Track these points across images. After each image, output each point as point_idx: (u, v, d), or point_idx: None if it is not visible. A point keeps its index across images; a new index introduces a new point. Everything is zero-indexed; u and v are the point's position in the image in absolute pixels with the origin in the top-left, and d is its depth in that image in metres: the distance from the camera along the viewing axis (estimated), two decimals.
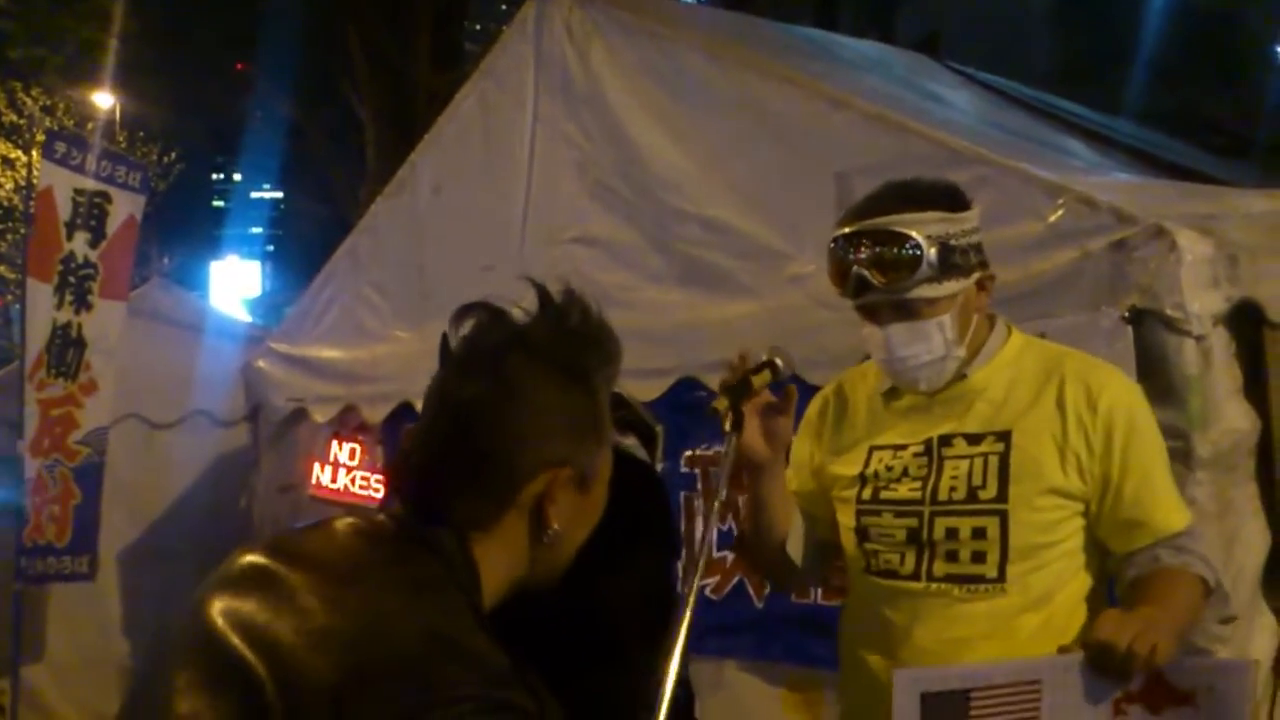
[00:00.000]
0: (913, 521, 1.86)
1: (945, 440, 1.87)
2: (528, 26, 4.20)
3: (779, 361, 1.84)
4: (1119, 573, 1.85)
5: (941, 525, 1.83)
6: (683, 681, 2.57)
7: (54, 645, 5.39)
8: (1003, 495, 1.80)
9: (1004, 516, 1.80)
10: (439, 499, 1.17)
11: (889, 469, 1.90)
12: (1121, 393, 1.85)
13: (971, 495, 1.82)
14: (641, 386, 3.70)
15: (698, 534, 3.52)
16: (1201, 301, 2.60)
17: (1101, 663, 1.58)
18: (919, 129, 3.28)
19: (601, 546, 2.34)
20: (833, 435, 2.03)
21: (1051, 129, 4.85)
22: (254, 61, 18.22)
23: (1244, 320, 2.71)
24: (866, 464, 1.93)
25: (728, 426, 1.81)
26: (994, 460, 1.82)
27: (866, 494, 1.92)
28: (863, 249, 1.81)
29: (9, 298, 19.10)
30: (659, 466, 3.69)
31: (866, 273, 1.81)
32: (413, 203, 4.68)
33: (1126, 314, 2.62)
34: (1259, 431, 2.73)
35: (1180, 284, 2.58)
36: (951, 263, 1.80)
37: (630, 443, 3.78)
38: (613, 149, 3.90)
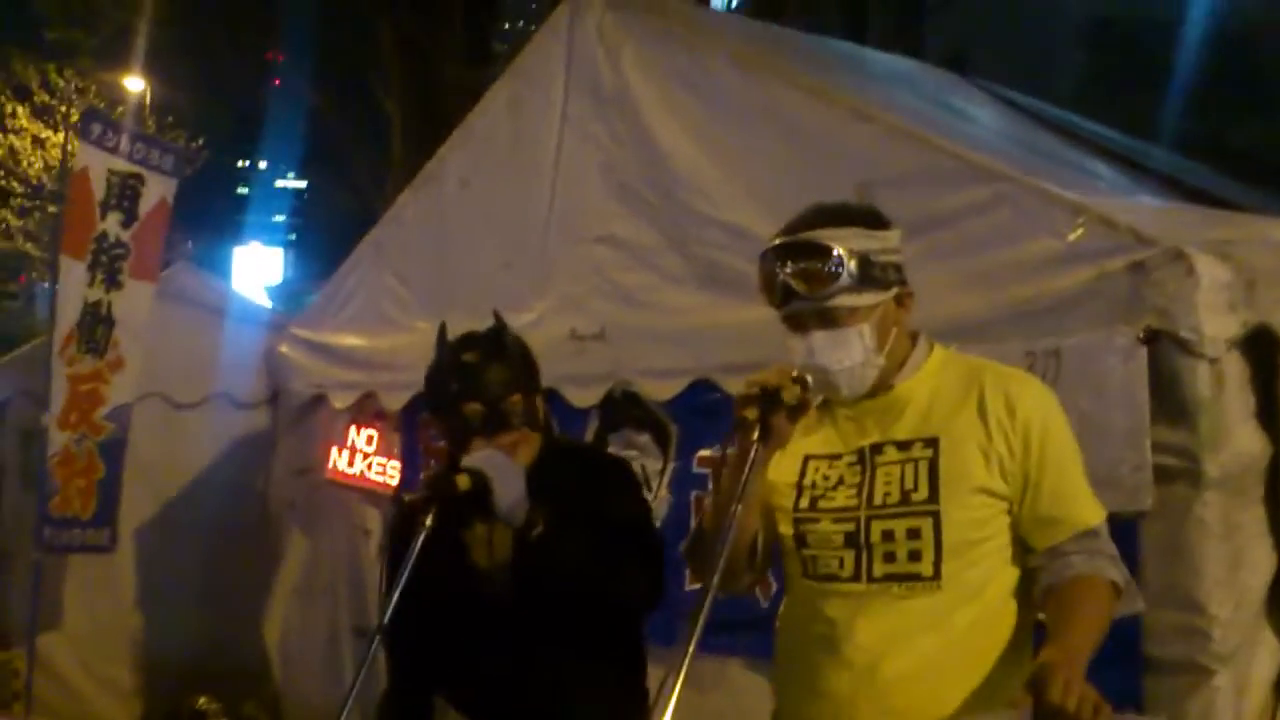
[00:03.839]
0: (850, 526, 1.96)
1: (877, 448, 1.99)
2: (560, 27, 4.24)
3: (809, 379, 1.93)
4: (1036, 573, 1.93)
5: (878, 528, 1.93)
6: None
7: (70, 615, 5.45)
8: (934, 496, 1.91)
9: (936, 516, 1.90)
10: None
11: (825, 478, 2.01)
12: (1037, 400, 1.97)
13: (905, 498, 1.93)
14: (657, 386, 3.75)
15: None
16: (1216, 325, 2.63)
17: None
18: (941, 144, 3.31)
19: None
20: None
21: (1077, 150, 4.86)
22: (282, 50, 18.33)
23: (1261, 345, 2.74)
24: (803, 474, 2.03)
25: (755, 436, 1.88)
26: (924, 465, 1.94)
27: (804, 503, 2.02)
28: (789, 262, 1.94)
29: (34, 275, 19.25)
30: (671, 465, 3.75)
31: (793, 282, 1.93)
32: (439, 196, 4.73)
33: (1141, 335, 2.65)
34: (1270, 456, 2.76)
35: (1196, 307, 2.61)
36: (871, 275, 1.92)
37: (644, 440, 3.85)
38: (638, 152, 3.94)
